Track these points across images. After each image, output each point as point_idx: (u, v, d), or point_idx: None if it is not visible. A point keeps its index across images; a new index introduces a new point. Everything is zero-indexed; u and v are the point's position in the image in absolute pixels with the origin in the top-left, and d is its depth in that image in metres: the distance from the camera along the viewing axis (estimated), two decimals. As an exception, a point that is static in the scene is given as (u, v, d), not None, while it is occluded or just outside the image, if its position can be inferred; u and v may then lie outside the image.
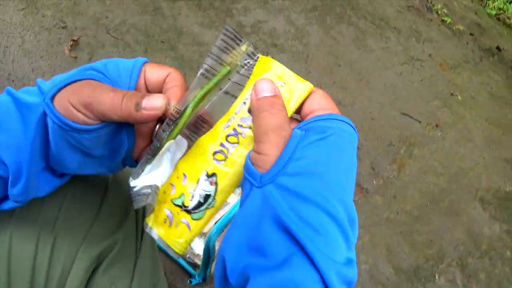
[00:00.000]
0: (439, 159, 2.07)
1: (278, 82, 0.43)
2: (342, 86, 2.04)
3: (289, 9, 2.22)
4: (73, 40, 1.61)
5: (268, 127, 0.38)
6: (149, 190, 0.42)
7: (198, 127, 0.45)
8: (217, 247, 1.14)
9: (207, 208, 0.42)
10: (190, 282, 1.24)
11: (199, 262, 1.22)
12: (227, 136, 0.42)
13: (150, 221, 0.44)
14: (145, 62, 0.45)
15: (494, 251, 1.87)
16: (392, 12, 2.72)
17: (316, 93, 0.44)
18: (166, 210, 0.43)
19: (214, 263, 1.21)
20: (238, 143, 0.42)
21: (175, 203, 0.43)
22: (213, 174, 0.42)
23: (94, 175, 0.60)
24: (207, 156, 0.42)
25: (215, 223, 1.21)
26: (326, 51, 2.14)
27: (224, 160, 0.42)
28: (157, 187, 0.42)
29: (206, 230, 1.23)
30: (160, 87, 0.45)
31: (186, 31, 1.82)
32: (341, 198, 0.35)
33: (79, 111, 0.39)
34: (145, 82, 0.45)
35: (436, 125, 2.21)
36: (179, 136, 0.43)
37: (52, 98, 0.40)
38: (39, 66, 1.51)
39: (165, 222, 0.43)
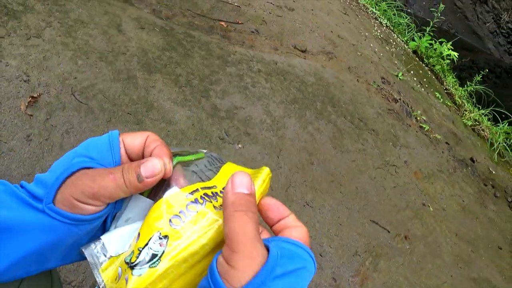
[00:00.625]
0: (405, 274, 1.95)
1: None
2: (313, 186, 1.95)
3: (268, 98, 2.18)
4: (32, 97, 1.49)
5: (246, 235, 0.37)
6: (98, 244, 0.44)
7: (163, 188, 0.46)
8: None
9: (150, 267, 0.40)
10: None
11: None
12: (188, 204, 0.43)
13: (105, 277, 0.44)
14: (119, 134, 0.46)
15: None
16: (372, 113, 2.74)
17: (290, 216, 0.44)
18: (119, 269, 0.43)
19: None
20: (197, 212, 0.43)
21: (125, 260, 0.42)
22: (166, 236, 0.41)
23: None
24: (165, 218, 0.42)
25: None
26: (300, 146, 2.08)
27: (180, 225, 0.42)
28: (102, 242, 0.44)
29: None
30: (141, 152, 0.46)
31: (156, 106, 1.73)
32: None
33: (86, 203, 0.41)
34: (126, 152, 0.46)
35: (405, 237, 2.12)
36: (143, 197, 0.46)
37: (53, 200, 0.41)
38: (-14, 120, 1.37)
39: (115, 279, 0.43)
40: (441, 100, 3.99)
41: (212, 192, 0.45)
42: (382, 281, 1.84)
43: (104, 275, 0.44)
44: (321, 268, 1.68)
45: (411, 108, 3.21)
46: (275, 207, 0.44)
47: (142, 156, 0.47)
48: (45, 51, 1.67)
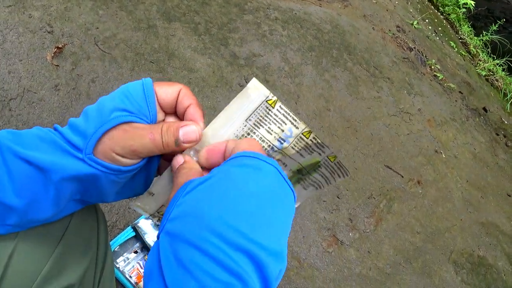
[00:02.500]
0: (418, 216, 2.04)
1: None
2: (330, 132, 2.00)
3: (286, 46, 2.19)
4: (58, 48, 1.53)
5: (177, 185, 0.43)
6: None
7: None
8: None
9: None
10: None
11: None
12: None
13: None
14: (152, 82, 0.47)
15: (462, 318, 1.83)
16: (387, 61, 2.74)
17: (237, 144, 0.45)
18: None
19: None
20: None
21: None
22: None
23: None
24: None
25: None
26: (318, 93, 2.11)
27: None
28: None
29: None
30: (174, 105, 0.48)
31: (177, 54, 1.76)
32: (219, 230, 0.34)
33: (124, 157, 0.44)
34: (158, 103, 0.47)
35: (418, 182, 2.19)
36: None
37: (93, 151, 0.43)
38: (16, 69, 1.41)
39: None
40: (456, 49, 3.94)
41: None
42: (395, 223, 1.93)
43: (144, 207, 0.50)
44: (338, 209, 1.77)
45: (425, 57, 3.19)
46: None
47: (174, 109, 0.48)
48: (66, 1, 1.68)
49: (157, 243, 0.39)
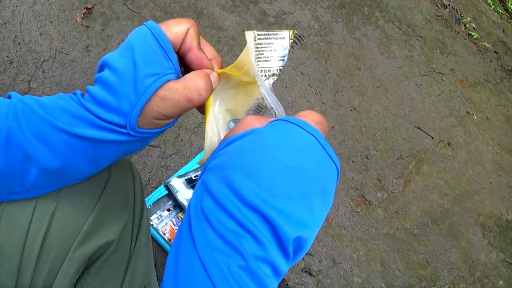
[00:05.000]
0: (446, 178, 2.02)
1: None
2: (360, 91, 1.96)
3: (316, 3, 2.12)
4: (87, 8, 1.52)
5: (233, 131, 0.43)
6: None
7: None
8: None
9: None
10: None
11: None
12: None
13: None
14: (159, 25, 0.45)
15: (487, 279, 1.83)
16: (421, 19, 2.62)
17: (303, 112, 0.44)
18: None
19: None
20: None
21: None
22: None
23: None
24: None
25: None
26: (348, 52, 2.06)
27: None
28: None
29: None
30: (180, 44, 0.46)
31: (206, 12, 1.73)
32: (238, 188, 0.35)
33: (165, 120, 0.45)
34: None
35: (448, 144, 2.15)
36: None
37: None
38: (47, 31, 1.43)
39: None
40: (493, 7, 3.72)
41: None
42: (424, 184, 1.91)
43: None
44: (367, 170, 1.77)
45: (460, 14, 3.03)
46: None
47: (179, 51, 0.47)
48: (93, -41, 1.66)
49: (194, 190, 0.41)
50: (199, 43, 0.47)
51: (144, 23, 0.45)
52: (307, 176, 0.36)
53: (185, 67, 0.50)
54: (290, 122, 0.39)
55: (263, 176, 0.35)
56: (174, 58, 0.45)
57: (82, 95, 0.46)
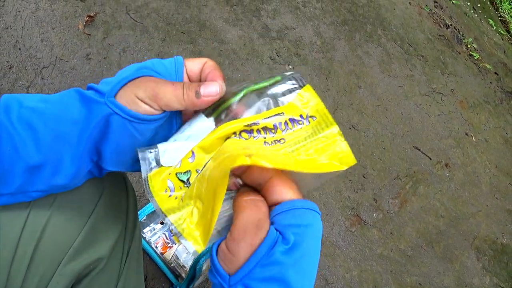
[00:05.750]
0: (443, 200, 2.01)
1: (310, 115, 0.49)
2: (359, 109, 1.96)
3: (319, 19, 2.12)
4: (89, 16, 1.52)
5: (248, 223, 0.39)
6: (155, 150, 0.47)
7: (227, 115, 0.48)
8: (204, 268, 1.08)
9: (198, 175, 0.44)
10: (170, 291, 1.19)
11: (183, 273, 1.16)
12: (244, 130, 0.46)
13: (152, 183, 0.46)
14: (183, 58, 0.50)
15: (480, 304, 1.83)
16: (423, 38, 2.63)
17: (273, 180, 0.43)
18: (168, 181, 0.45)
19: (198, 281, 1.16)
20: (247, 140, 0.46)
21: (180, 178, 0.45)
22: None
23: (87, 185, 0.56)
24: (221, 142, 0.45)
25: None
26: (349, 69, 2.06)
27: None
28: (157, 149, 0.47)
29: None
30: (199, 76, 0.50)
31: (209, 25, 1.74)
32: None
33: (145, 103, 0.44)
34: (187, 75, 0.50)
35: (446, 165, 2.15)
36: (211, 119, 0.48)
37: (115, 96, 0.44)
38: (49, 37, 1.42)
39: (165, 192, 0.45)
40: (494, 28, 3.75)
41: (274, 125, 0.47)
42: (420, 205, 1.91)
43: (152, 182, 0.46)
44: (364, 189, 1.76)
45: (462, 34, 3.05)
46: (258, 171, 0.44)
47: (200, 80, 0.50)
48: (98, -33, 1.66)
49: None
50: (219, 71, 0.50)
51: (175, 56, 0.50)
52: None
53: None
54: (314, 211, 0.42)
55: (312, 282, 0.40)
56: (181, 76, 0.49)
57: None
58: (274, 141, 0.47)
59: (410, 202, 1.89)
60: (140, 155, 0.46)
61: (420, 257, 1.76)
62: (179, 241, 1.24)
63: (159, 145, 0.47)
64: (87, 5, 1.55)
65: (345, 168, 0.46)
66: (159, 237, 1.24)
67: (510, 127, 2.80)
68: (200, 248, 0.43)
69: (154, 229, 1.25)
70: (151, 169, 0.46)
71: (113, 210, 0.62)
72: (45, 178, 0.47)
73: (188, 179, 0.45)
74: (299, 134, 0.48)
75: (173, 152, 0.47)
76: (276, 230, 0.39)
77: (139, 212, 1.24)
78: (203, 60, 0.50)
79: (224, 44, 1.72)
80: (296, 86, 0.50)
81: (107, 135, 0.46)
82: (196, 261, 1.06)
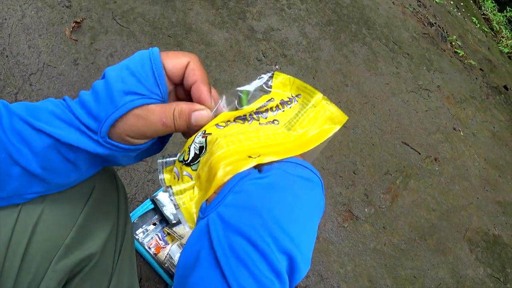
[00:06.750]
0: (434, 194, 2.03)
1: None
2: (347, 107, 1.98)
3: (304, 20, 2.16)
4: (76, 22, 1.53)
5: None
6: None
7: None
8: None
9: (201, 156, 0.46)
10: (164, 292, 1.19)
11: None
12: (238, 116, 0.49)
13: (168, 181, 0.50)
14: (159, 53, 0.47)
15: (475, 295, 1.84)
16: (407, 37, 2.68)
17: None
18: (174, 169, 0.49)
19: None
20: (242, 124, 0.48)
21: (179, 159, 0.48)
22: (209, 133, 0.46)
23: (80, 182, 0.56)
24: (210, 125, 0.47)
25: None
26: (335, 68, 2.09)
27: (224, 127, 0.47)
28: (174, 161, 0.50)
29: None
30: (181, 78, 0.48)
31: (195, 28, 1.75)
32: (274, 232, 0.36)
33: (137, 139, 0.46)
34: (167, 75, 0.47)
35: (435, 159, 2.17)
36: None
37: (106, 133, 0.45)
38: (36, 44, 1.43)
39: (174, 178, 0.48)
40: (478, 25, 3.82)
41: (266, 109, 0.50)
42: (411, 199, 1.92)
43: (166, 180, 0.49)
44: (354, 185, 1.77)
45: (446, 32, 3.10)
46: None
47: (182, 80, 0.48)
48: (83, -26, 1.68)
49: (205, 221, 0.39)
50: (204, 77, 0.48)
51: (150, 48, 0.47)
52: (318, 217, 0.42)
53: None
54: (304, 166, 0.43)
55: (293, 219, 0.38)
56: (163, 85, 0.46)
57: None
58: (268, 122, 0.50)
59: (401, 196, 1.90)
60: (158, 167, 0.51)
61: (414, 250, 1.78)
62: (172, 241, 1.24)
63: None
64: (73, 11, 1.56)
65: (339, 126, 0.49)
66: (152, 238, 1.24)
67: (497, 121, 2.84)
68: (192, 226, 0.44)
69: (147, 230, 1.25)
70: (164, 166, 0.51)
71: (104, 206, 0.62)
72: (45, 183, 0.49)
73: (184, 159, 0.47)
74: (290, 113, 0.51)
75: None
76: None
77: (131, 214, 1.24)
78: (184, 60, 0.47)
79: (211, 47, 1.74)
80: (267, 77, 0.53)
81: (103, 157, 0.50)
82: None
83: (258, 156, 0.43)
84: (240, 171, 0.41)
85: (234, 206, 0.38)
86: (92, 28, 1.56)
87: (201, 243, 0.39)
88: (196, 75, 0.47)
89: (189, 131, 0.47)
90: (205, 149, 0.46)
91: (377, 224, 1.74)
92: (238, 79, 1.70)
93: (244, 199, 0.38)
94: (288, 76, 0.53)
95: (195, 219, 0.45)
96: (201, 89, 0.47)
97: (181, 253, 0.42)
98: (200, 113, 0.47)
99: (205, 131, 0.46)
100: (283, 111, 0.51)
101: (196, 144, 0.46)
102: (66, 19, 1.53)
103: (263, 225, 0.36)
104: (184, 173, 0.47)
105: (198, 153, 0.46)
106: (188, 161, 0.47)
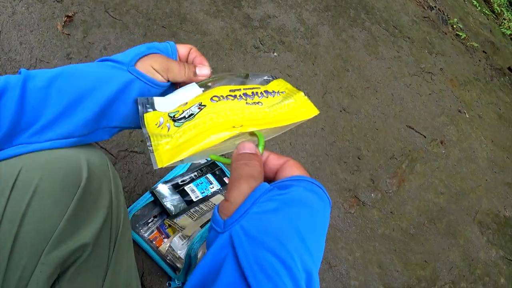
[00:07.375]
0: (441, 177, 1.99)
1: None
2: (349, 92, 1.95)
3: (301, 6, 2.12)
4: (68, 16, 1.51)
5: (241, 175, 0.43)
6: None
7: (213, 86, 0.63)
8: (199, 255, 1.05)
9: (187, 121, 0.53)
10: (169, 285, 1.16)
11: (180, 265, 1.14)
12: (229, 94, 0.58)
13: (147, 119, 0.57)
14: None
15: (488, 277, 1.80)
16: (407, 20, 2.63)
17: (288, 163, 0.47)
18: (161, 118, 0.56)
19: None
20: (232, 101, 0.56)
21: (169, 114, 0.56)
22: (204, 105, 0.55)
23: (68, 169, 0.57)
24: (207, 98, 0.56)
25: (201, 226, 1.13)
26: (335, 54, 2.05)
27: (217, 101, 0.56)
28: (153, 99, 0.60)
29: (190, 233, 1.16)
30: (186, 58, 0.69)
31: (189, 18, 1.72)
32: (301, 253, 0.38)
33: (158, 73, 0.62)
34: (178, 56, 0.68)
35: (441, 142, 2.13)
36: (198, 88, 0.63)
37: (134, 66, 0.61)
38: (28, 40, 1.40)
39: (155, 124, 0.56)
40: (479, 8, 3.76)
41: (252, 92, 0.59)
42: (418, 183, 1.89)
43: (147, 119, 0.57)
44: (359, 170, 1.74)
45: (447, 16, 3.05)
46: (271, 159, 0.48)
47: (187, 61, 0.68)
48: (73, -32, 1.65)
49: (228, 235, 0.40)
50: (202, 55, 0.69)
51: (167, 41, 0.68)
52: (325, 229, 0.45)
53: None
54: (316, 185, 0.45)
55: (314, 238, 0.41)
56: (176, 58, 0.67)
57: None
58: (254, 103, 0.57)
59: (408, 181, 1.86)
60: (138, 101, 0.59)
61: (423, 235, 1.74)
62: (173, 233, 1.22)
63: (155, 98, 0.61)
64: (64, 5, 1.53)
65: (310, 116, 0.60)
66: (152, 231, 1.22)
67: (502, 103, 2.79)
68: (159, 164, 0.49)
69: (147, 223, 1.22)
70: (147, 111, 0.58)
71: (96, 195, 0.60)
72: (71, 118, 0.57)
73: (174, 116, 0.55)
74: (273, 99, 0.60)
75: (167, 102, 0.60)
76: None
77: (131, 208, 1.21)
78: (188, 46, 0.69)
79: (207, 36, 1.70)
80: (271, 78, 0.66)
81: (121, 96, 0.59)
82: (190, 248, 1.04)
83: (241, 126, 0.50)
84: (223, 132, 0.49)
85: (259, 220, 0.39)
86: (85, 21, 1.53)
87: (222, 257, 0.39)
88: (196, 52, 0.68)
89: (194, 79, 0.65)
90: (194, 117, 0.53)
91: (384, 209, 1.70)
92: (236, 67, 1.67)
93: (268, 214, 0.39)
94: (286, 82, 0.65)
95: (164, 161, 0.49)
96: (202, 58, 0.68)
97: (197, 265, 0.41)
98: (203, 66, 0.66)
99: (201, 102, 0.55)
100: (267, 97, 0.60)
101: (190, 110, 0.54)
102: (57, 14, 1.50)
103: (291, 242, 0.38)
104: (167, 124, 0.54)
105: (187, 116, 0.54)
106: (177, 118, 0.54)
